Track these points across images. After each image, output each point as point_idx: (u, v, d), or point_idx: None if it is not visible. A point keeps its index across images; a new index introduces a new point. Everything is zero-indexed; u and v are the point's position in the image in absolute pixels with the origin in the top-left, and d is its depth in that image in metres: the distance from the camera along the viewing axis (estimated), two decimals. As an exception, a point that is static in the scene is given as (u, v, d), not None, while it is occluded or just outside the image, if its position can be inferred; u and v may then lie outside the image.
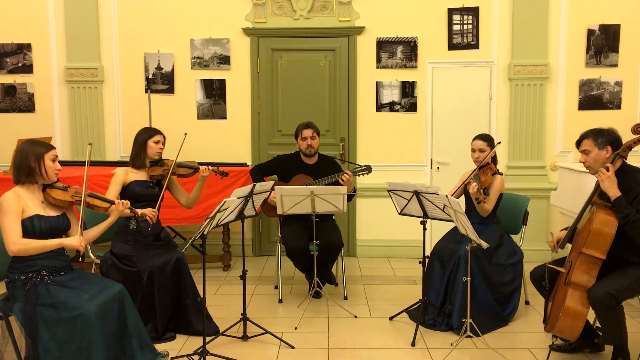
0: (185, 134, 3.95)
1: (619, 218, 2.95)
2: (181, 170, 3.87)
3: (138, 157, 3.79)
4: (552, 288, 3.24)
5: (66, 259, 3.03)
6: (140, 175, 3.77)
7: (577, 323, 2.97)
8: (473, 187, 3.68)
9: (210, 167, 3.88)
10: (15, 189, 2.91)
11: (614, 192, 2.99)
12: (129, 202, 3.20)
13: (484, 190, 3.79)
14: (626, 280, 2.97)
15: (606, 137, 3.10)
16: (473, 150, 4.02)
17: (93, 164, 5.16)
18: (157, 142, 3.81)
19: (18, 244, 2.79)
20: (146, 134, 3.82)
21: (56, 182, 3.03)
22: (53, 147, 3.02)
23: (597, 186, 3.09)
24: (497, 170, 4.01)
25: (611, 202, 3.00)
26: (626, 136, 3.16)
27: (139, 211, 3.31)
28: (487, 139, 4.02)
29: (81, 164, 5.16)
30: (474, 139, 4.04)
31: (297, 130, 4.48)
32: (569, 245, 3.23)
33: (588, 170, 3.23)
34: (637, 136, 3.10)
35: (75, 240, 2.93)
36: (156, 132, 3.85)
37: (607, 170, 3.01)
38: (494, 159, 4.05)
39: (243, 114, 5.61)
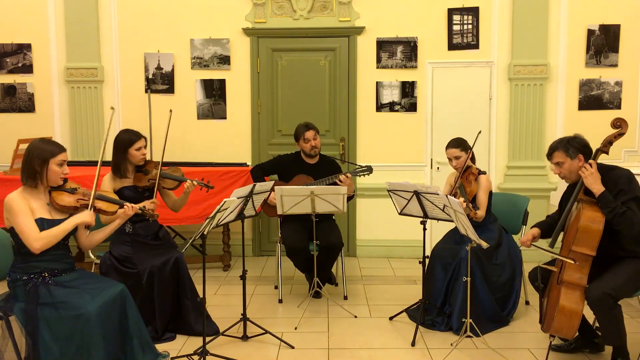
0: (171, 111, 3.79)
1: (606, 213, 2.95)
2: (167, 182, 3.76)
3: (118, 167, 3.65)
4: (546, 287, 3.25)
5: (70, 261, 3.02)
6: (126, 181, 3.70)
7: (573, 321, 2.97)
8: (462, 204, 3.64)
9: (195, 182, 3.73)
10: (19, 190, 2.89)
11: (597, 187, 2.99)
12: (137, 207, 3.17)
13: (472, 205, 3.76)
14: (621, 277, 2.98)
15: (576, 147, 3.11)
16: (449, 159, 4.00)
17: (92, 163, 5.16)
18: (138, 149, 3.66)
19: (39, 239, 2.79)
20: (127, 140, 3.64)
21: (64, 183, 2.99)
22: (62, 150, 2.94)
23: (581, 183, 3.09)
24: (479, 170, 3.98)
25: (596, 198, 3.01)
26: (629, 137, 3.16)
27: (144, 205, 3.33)
28: (459, 144, 3.97)
29: (81, 164, 5.18)
30: (447, 149, 4.01)
31: (298, 133, 4.45)
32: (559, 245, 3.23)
33: (564, 180, 3.23)
34: (617, 130, 3.11)
35: (87, 215, 2.93)
36: (137, 136, 3.68)
37: (591, 166, 3.02)
38: (472, 159, 4.03)
39: (243, 114, 5.61)
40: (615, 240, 3.02)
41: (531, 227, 3.41)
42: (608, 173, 3.07)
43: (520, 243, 3.27)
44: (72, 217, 2.93)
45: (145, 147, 3.73)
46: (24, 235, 2.79)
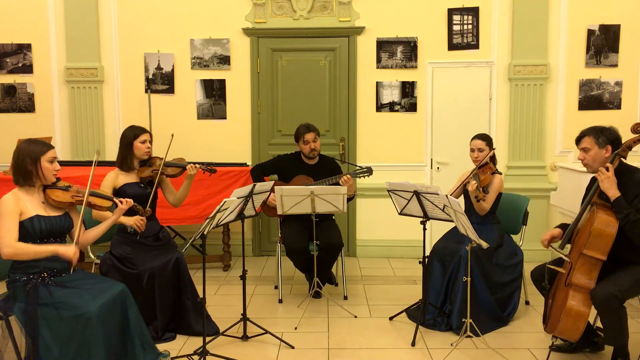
0: (172, 135, 3.80)
1: (619, 218, 2.94)
2: (170, 170, 3.80)
3: (125, 160, 3.71)
4: (552, 288, 3.24)
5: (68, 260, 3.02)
6: (130, 177, 3.72)
7: (578, 324, 2.97)
8: (472, 185, 3.70)
9: (198, 165, 3.79)
10: (14, 190, 2.90)
11: (613, 192, 2.98)
12: (132, 201, 3.17)
13: (483, 189, 3.81)
14: (629, 280, 2.97)
15: (607, 136, 3.09)
16: (472, 150, 4.03)
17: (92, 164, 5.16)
18: (143, 142, 3.71)
19: (11, 247, 2.77)
20: (132, 134, 3.71)
21: (57, 181, 3.00)
22: (51, 147, 2.96)
23: (597, 186, 3.08)
24: (496, 169, 4.02)
25: (611, 203, 2.99)
26: (627, 136, 3.15)
27: (131, 220, 3.36)
28: (486, 138, 4.03)
29: (81, 164, 5.17)
30: (473, 139, 4.05)
31: (298, 133, 4.45)
32: (568, 246, 3.22)
33: (585, 168, 3.22)
34: (637, 135, 3.07)
35: (69, 250, 2.87)
36: (142, 131, 3.74)
37: (607, 170, 3.01)
38: (493, 159, 4.05)
39: (243, 114, 5.61)
40: (627, 245, 2.99)
41: (554, 227, 3.39)
42: (630, 175, 3.06)
43: (542, 244, 3.26)
44: (54, 245, 2.89)
45: (150, 141, 3.77)
46: (0, 238, 2.78)
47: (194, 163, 3.85)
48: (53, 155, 2.94)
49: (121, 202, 3.13)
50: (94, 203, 3.08)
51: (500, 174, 4.03)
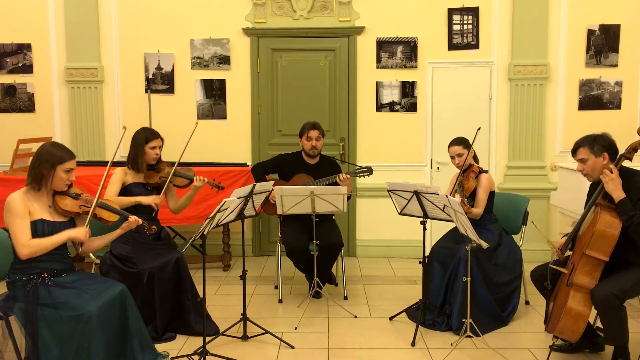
0: (197, 123, 3.77)
1: (623, 220, 2.93)
2: (178, 180, 3.79)
3: (135, 162, 3.72)
4: (554, 288, 3.24)
5: (68, 261, 3.02)
6: (138, 177, 3.74)
7: (578, 324, 2.97)
8: (458, 199, 3.66)
9: (205, 179, 3.76)
10: (23, 189, 2.89)
11: (618, 193, 2.97)
12: (140, 220, 3.13)
13: (467, 200, 3.80)
14: (629, 280, 2.97)
15: (601, 144, 3.09)
16: (452, 157, 4.02)
17: (93, 163, 5.17)
18: (153, 148, 3.73)
19: (28, 246, 2.77)
20: (143, 138, 3.73)
21: (68, 187, 2.97)
22: (72, 158, 2.92)
23: (601, 187, 3.08)
24: (481, 169, 4.00)
25: (615, 204, 2.99)
26: (630, 137, 3.15)
27: (145, 201, 3.38)
28: (461, 142, 4.00)
29: (81, 164, 5.16)
30: (449, 146, 4.04)
31: (303, 129, 4.46)
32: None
33: (586, 178, 3.22)
34: None
35: (81, 232, 2.90)
36: (154, 136, 3.75)
37: (612, 172, 3.00)
38: (475, 158, 4.04)
39: (243, 114, 5.61)
40: (629, 246, 2.99)
41: (561, 237, 3.36)
42: (631, 177, 3.05)
43: (554, 253, 3.25)
44: (66, 231, 2.90)
45: (160, 147, 3.78)
46: (15, 239, 2.78)
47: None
48: (71, 166, 2.92)
49: (131, 219, 3.09)
50: (100, 216, 3.04)
51: (487, 171, 4.02)
